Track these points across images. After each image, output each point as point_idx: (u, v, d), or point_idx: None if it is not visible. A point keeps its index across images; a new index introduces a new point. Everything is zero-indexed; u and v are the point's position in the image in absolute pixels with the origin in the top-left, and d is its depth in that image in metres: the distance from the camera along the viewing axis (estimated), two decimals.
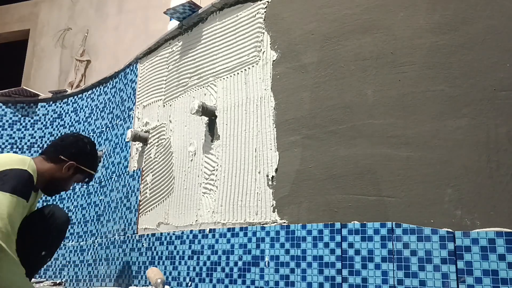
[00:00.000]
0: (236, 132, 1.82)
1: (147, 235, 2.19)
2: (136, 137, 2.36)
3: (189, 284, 1.85)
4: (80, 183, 2.00)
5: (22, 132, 3.39)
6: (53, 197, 3.06)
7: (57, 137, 1.89)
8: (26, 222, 1.79)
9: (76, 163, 1.85)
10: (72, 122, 3.17)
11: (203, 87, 2.05)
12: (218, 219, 1.80)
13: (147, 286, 2.02)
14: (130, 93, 2.66)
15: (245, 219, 1.70)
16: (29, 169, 1.66)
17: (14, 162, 1.64)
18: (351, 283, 1.35)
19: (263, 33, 1.80)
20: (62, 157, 1.83)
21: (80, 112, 3.16)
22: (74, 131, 3.13)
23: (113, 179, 2.64)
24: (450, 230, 1.23)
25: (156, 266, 2.05)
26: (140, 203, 2.32)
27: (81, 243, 2.74)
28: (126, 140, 2.37)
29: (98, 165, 1.93)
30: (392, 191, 1.34)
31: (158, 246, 2.09)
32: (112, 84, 2.93)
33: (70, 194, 2.98)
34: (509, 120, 1.21)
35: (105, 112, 2.92)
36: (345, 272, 1.37)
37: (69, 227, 2.88)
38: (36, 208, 1.93)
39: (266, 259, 1.58)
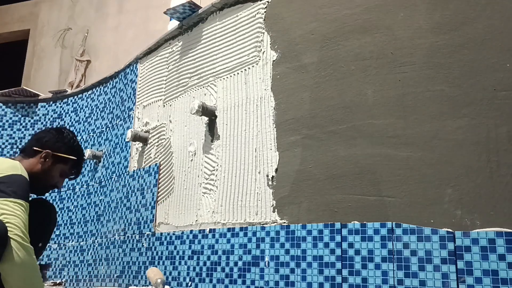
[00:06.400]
0: (236, 132, 1.82)
1: (147, 235, 2.19)
2: (136, 137, 2.36)
3: (189, 284, 1.85)
4: (70, 178, 1.93)
5: (22, 132, 3.39)
6: (53, 197, 3.06)
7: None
8: None
9: (51, 151, 1.75)
10: (72, 122, 3.17)
11: (203, 87, 2.05)
12: (218, 219, 1.80)
13: (147, 286, 2.02)
14: (130, 93, 2.66)
15: (245, 219, 1.70)
16: (23, 174, 1.67)
17: (7, 168, 1.64)
18: (351, 283, 1.35)
19: (263, 33, 1.80)
20: (35, 148, 1.74)
21: (80, 112, 3.16)
22: (74, 131, 3.13)
23: (113, 179, 2.64)
24: (450, 230, 1.23)
25: (156, 266, 2.05)
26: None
27: (81, 243, 2.74)
28: (126, 140, 2.37)
29: (82, 154, 1.82)
30: (392, 191, 1.34)
31: (158, 246, 2.09)
32: (112, 84, 2.93)
33: (70, 194, 2.98)
34: (509, 120, 1.21)
35: (105, 112, 2.92)
36: (345, 272, 1.37)
37: (70, 227, 2.88)
38: None
39: (266, 259, 1.58)
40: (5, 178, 1.59)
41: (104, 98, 2.98)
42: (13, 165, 1.68)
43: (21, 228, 1.55)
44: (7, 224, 1.53)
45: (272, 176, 1.64)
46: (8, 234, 1.51)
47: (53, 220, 2.02)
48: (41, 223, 1.94)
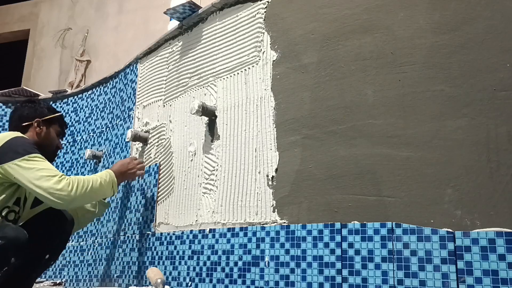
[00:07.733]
0: (236, 132, 1.82)
1: (147, 235, 2.19)
2: (136, 137, 2.36)
3: (189, 284, 1.85)
4: (63, 137, 2.12)
5: None
6: None
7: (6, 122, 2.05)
8: (32, 224, 1.78)
9: (40, 117, 1.93)
10: (72, 122, 3.17)
11: (203, 87, 2.05)
12: (218, 219, 1.80)
13: (147, 286, 2.02)
14: (130, 93, 2.66)
15: (245, 219, 1.70)
16: (22, 135, 1.79)
17: (6, 136, 1.74)
18: (351, 283, 1.35)
19: (263, 33, 1.80)
20: (24, 124, 1.90)
21: (80, 112, 3.16)
22: (74, 131, 3.13)
23: None
24: (450, 230, 1.23)
25: (156, 266, 2.05)
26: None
27: (81, 243, 2.74)
28: (126, 140, 2.37)
29: (51, 108, 2.05)
30: (392, 191, 1.34)
31: (158, 246, 2.09)
32: (112, 84, 2.93)
33: None
34: (509, 120, 1.21)
35: (105, 112, 2.92)
36: (345, 272, 1.38)
37: None
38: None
39: (266, 259, 1.58)
40: (4, 145, 1.68)
41: (104, 98, 2.98)
42: (11, 132, 1.78)
43: (37, 182, 1.63)
44: (31, 187, 1.62)
45: (272, 176, 1.64)
46: (38, 192, 1.63)
47: (68, 235, 1.93)
48: (54, 236, 1.85)
